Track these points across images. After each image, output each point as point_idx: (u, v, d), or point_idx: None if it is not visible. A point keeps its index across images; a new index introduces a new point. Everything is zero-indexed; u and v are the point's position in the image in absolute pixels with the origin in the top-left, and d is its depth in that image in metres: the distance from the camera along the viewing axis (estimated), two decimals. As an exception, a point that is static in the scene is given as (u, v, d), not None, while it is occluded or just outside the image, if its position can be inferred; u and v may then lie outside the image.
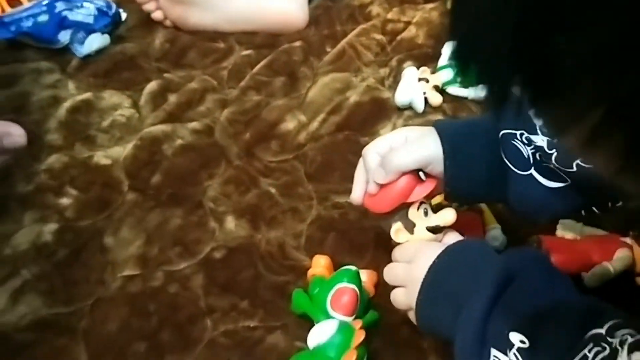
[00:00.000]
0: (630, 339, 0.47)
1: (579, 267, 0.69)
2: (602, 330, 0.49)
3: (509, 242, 0.75)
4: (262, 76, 0.97)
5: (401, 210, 0.66)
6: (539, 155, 0.61)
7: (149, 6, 1.03)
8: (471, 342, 0.54)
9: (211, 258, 0.77)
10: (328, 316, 0.67)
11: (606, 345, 0.48)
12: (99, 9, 1.01)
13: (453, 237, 0.64)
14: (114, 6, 1.04)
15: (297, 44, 1.01)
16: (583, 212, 0.65)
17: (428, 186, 0.65)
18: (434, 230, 0.64)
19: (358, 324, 0.65)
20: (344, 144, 0.87)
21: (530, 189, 0.62)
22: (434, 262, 0.59)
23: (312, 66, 0.98)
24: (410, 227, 0.65)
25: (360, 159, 0.69)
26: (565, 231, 0.74)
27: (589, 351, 0.48)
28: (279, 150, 0.88)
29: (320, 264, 0.72)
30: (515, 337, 0.51)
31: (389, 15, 1.05)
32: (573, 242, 0.72)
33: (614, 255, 0.68)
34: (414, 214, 0.65)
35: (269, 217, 0.80)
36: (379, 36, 1.02)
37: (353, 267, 0.70)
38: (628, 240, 0.71)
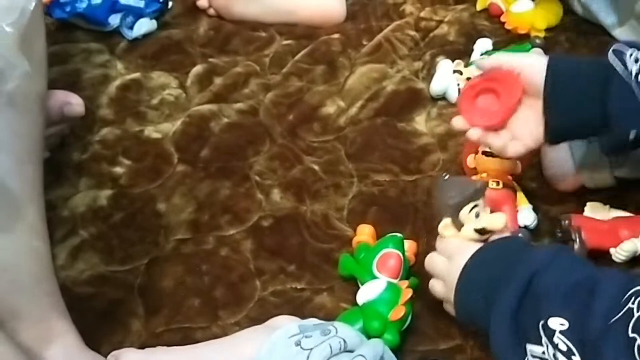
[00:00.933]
0: None
1: (608, 243, 0.74)
2: None
3: (540, 222, 0.80)
4: (303, 64, 1.02)
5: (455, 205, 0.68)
6: None
7: (195, -6, 1.09)
8: (504, 338, 0.57)
9: (259, 225, 0.82)
10: (374, 277, 0.71)
11: None
12: (149, -5, 1.06)
13: None
14: (162, -7, 1.09)
15: (336, 36, 1.06)
16: None
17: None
18: (481, 232, 0.66)
19: (404, 284, 0.70)
20: (382, 128, 0.92)
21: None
22: (470, 257, 0.63)
23: (349, 57, 1.03)
24: (457, 225, 0.68)
25: None
26: (594, 213, 0.79)
27: (633, 303, 0.50)
28: (320, 131, 0.93)
29: (365, 232, 0.77)
30: (555, 322, 0.54)
31: (422, 14, 1.10)
32: (602, 221, 0.77)
33: (641, 233, 0.73)
34: (465, 215, 0.67)
35: (313, 191, 0.85)
36: (412, 32, 1.07)
37: (398, 234, 0.75)
38: (654, 220, 0.75)
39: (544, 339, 0.54)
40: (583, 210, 0.79)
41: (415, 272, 0.75)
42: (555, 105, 0.69)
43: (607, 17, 0.99)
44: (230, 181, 0.87)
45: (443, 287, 0.67)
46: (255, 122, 0.94)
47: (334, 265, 0.76)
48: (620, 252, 0.73)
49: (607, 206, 0.79)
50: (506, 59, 0.73)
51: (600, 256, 0.74)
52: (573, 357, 0.53)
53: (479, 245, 0.65)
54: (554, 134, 0.71)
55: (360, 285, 0.72)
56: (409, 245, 0.77)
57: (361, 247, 0.75)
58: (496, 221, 0.66)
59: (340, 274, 0.75)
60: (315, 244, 0.80)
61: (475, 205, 0.67)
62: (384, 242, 0.74)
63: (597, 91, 0.66)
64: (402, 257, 0.72)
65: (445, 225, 0.68)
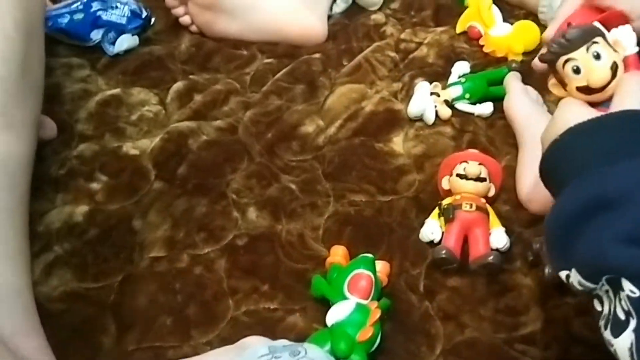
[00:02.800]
0: None
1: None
2: None
3: (512, 244, 0.80)
4: (283, 82, 1.03)
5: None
6: None
7: (178, 10, 1.09)
8: (569, 219, 0.52)
9: (234, 244, 0.82)
10: (345, 298, 0.72)
11: None
12: (132, 11, 1.06)
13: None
14: (145, 10, 1.09)
15: (316, 55, 1.07)
16: None
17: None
18: (585, 90, 0.58)
19: (373, 304, 0.71)
20: (360, 148, 0.93)
21: None
22: (557, 137, 0.56)
23: (330, 76, 1.04)
24: (559, 77, 0.60)
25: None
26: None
27: None
28: (298, 150, 0.93)
29: (338, 253, 0.78)
30: (627, 285, 0.48)
31: (402, 36, 1.11)
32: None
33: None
34: (561, 69, 0.59)
35: (289, 210, 0.86)
36: (392, 54, 1.08)
37: (370, 255, 0.75)
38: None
39: (603, 282, 0.50)
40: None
41: (388, 293, 0.76)
42: None
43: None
44: (206, 199, 0.87)
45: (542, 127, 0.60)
46: (233, 140, 0.95)
47: (308, 286, 0.77)
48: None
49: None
50: None
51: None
52: (631, 319, 0.48)
53: (593, 114, 0.56)
54: None
55: (332, 304, 0.73)
56: (382, 266, 0.77)
57: (334, 268, 0.76)
58: (596, 74, 0.57)
59: (313, 295, 0.76)
60: (289, 263, 0.80)
61: (574, 59, 0.58)
62: (356, 263, 0.74)
63: None
64: (373, 278, 0.73)
65: (552, 84, 0.61)
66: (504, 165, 0.89)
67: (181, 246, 0.82)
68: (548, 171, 0.59)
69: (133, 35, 1.08)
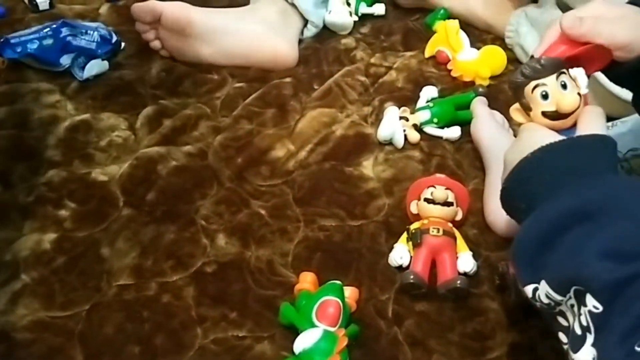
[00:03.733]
0: None
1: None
2: None
3: (479, 268, 0.81)
4: (253, 107, 1.03)
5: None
6: None
7: (148, 35, 1.09)
8: (532, 243, 0.54)
9: (203, 271, 0.82)
10: (314, 326, 0.72)
11: None
12: (102, 37, 1.06)
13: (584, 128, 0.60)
14: (114, 35, 1.09)
15: (287, 79, 1.08)
16: None
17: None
18: (550, 116, 0.60)
19: (341, 332, 0.71)
20: (330, 173, 0.94)
21: None
22: (527, 156, 0.58)
23: (300, 100, 1.05)
24: (524, 105, 0.62)
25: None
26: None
27: None
28: (268, 175, 0.93)
29: (306, 280, 0.78)
30: (590, 300, 0.49)
31: (372, 60, 1.12)
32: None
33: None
34: (529, 95, 0.61)
35: (258, 236, 0.86)
36: (362, 78, 1.09)
37: (338, 282, 0.76)
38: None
39: (571, 294, 0.51)
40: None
41: (357, 319, 0.76)
42: None
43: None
44: (175, 225, 0.87)
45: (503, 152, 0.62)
46: (203, 165, 0.95)
47: (276, 313, 0.77)
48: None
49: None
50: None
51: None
52: (588, 334, 0.50)
53: (552, 134, 0.59)
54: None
55: (300, 332, 0.73)
56: (350, 292, 0.78)
57: (302, 295, 0.76)
58: (565, 101, 0.59)
59: (281, 323, 0.76)
60: (258, 290, 0.80)
61: (545, 85, 0.60)
62: (324, 290, 0.75)
63: None
64: (341, 305, 0.73)
65: (514, 109, 0.63)
66: (471, 189, 0.90)
67: (149, 274, 0.82)
68: (514, 189, 0.61)
69: (103, 60, 1.08)
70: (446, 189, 0.84)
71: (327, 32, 1.16)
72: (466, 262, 0.81)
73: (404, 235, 0.83)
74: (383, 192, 0.92)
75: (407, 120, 0.98)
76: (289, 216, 0.88)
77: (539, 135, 0.60)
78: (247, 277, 0.81)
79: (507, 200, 0.62)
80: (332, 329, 0.72)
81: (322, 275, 0.79)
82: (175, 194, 0.91)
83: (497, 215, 0.84)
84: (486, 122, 0.95)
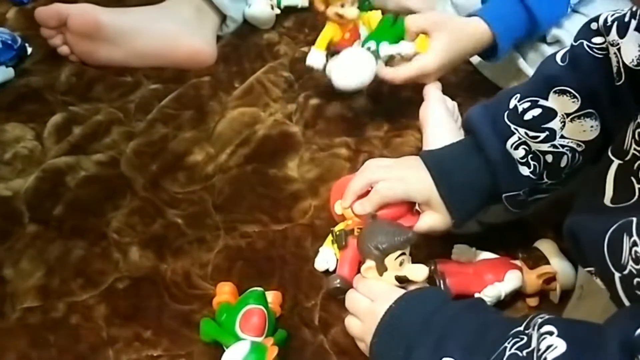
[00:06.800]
0: (539, 320, 0.53)
1: (473, 288, 0.72)
2: (521, 327, 0.55)
3: (408, 267, 0.78)
4: (169, 109, 0.98)
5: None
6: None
7: (55, 40, 1.03)
8: None
9: (114, 288, 0.76)
10: (239, 339, 0.67)
11: (524, 337, 0.53)
12: (3, 42, 1.00)
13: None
14: (19, 39, 1.03)
15: (206, 79, 1.03)
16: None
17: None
18: (401, 280, 0.66)
19: (269, 341, 0.66)
20: (252, 176, 0.89)
21: None
22: (390, 306, 0.63)
23: (220, 101, 1.00)
24: (381, 269, 0.67)
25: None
26: (461, 256, 0.77)
27: (508, 343, 0.54)
28: (185, 181, 0.88)
29: (224, 291, 0.73)
30: None
31: (297, 55, 1.08)
32: (466, 265, 0.75)
33: (504, 276, 0.72)
34: (390, 261, 0.66)
35: (174, 248, 0.81)
36: (286, 74, 1.05)
37: (258, 288, 0.71)
38: (518, 262, 0.75)
39: None
40: (451, 253, 0.78)
41: (282, 324, 0.72)
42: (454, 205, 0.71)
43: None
44: (84, 241, 0.81)
45: (361, 327, 0.65)
46: (115, 174, 0.89)
47: (195, 328, 0.72)
48: (484, 297, 0.71)
49: (474, 248, 0.78)
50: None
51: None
52: None
53: (403, 291, 0.65)
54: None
55: (225, 349, 0.68)
56: (273, 296, 0.73)
57: (222, 308, 0.71)
58: (418, 273, 0.67)
59: (203, 339, 0.70)
60: (174, 305, 0.75)
61: (403, 254, 0.67)
62: (245, 299, 0.70)
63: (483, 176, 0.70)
64: (265, 312, 0.69)
65: (367, 268, 0.67)
66: (399, 185, 0.86)
67: (56, 295, 0.76)
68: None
69: (8, 67, 1.01)
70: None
71: (247, 27, 1.11)
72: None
73: (329, 238, 0.79)
74: (308, 194, 0.87)
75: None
76: (208, 224, 0.83)
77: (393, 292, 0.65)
78: (162, 292, 0.76)
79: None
80: (259, 339, 0.67)
81: (244, 285, 0.74)
82: (84, 207, 0.85)
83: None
84: (437, 106, 0.91)
